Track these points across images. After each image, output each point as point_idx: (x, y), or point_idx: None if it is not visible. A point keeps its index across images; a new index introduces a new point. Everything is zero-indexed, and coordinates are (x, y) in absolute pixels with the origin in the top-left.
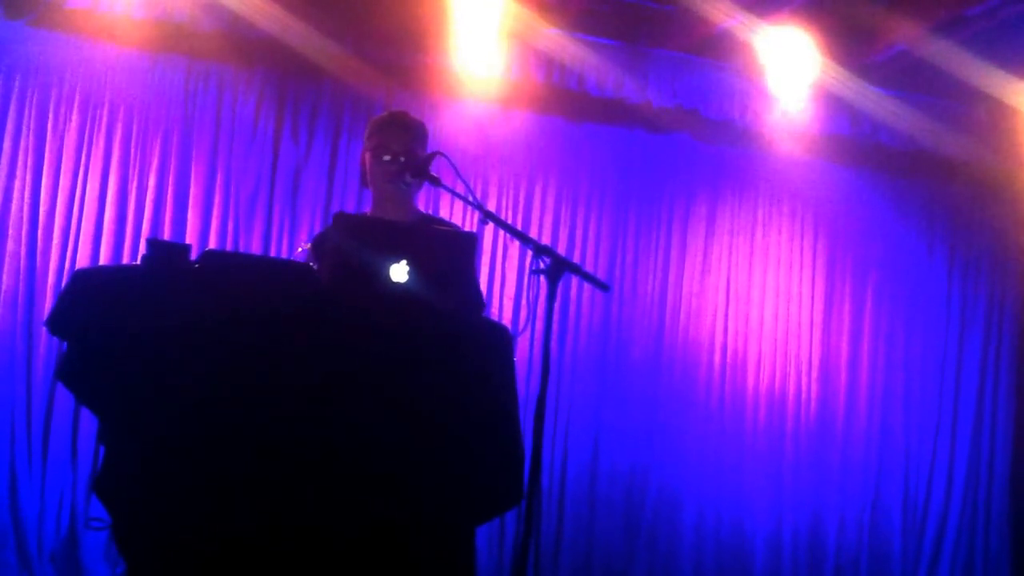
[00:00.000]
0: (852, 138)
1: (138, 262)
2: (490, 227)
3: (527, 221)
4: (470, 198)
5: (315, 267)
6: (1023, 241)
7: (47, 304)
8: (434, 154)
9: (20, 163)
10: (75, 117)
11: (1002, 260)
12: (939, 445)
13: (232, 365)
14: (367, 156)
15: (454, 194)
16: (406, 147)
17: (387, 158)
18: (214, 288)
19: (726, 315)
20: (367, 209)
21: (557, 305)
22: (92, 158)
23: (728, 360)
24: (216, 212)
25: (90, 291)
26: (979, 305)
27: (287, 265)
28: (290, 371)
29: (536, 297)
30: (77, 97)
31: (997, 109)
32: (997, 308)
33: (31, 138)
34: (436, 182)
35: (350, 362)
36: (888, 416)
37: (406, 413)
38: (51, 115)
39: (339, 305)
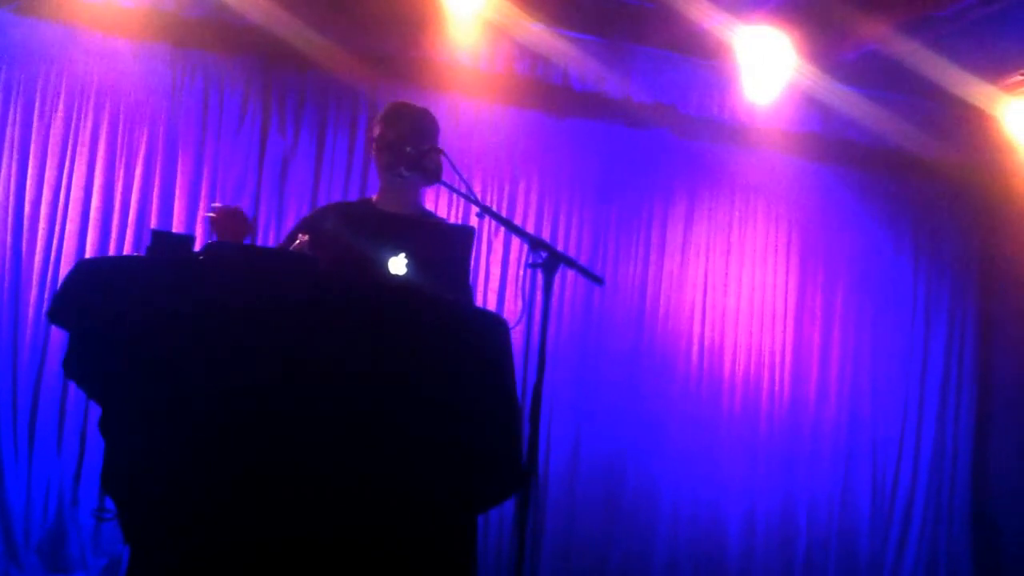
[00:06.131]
0: (824, 135)
1: (135, 252)
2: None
3: (510, 214)
4: (467, 193)
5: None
6: (985, 236)
7: (32, 294)
8: (430, 148)
9: (5, 152)
10: (61, 106)
11: (965, 254)
12: (906, 431)
13: (236, 356)
14: (371, 147)
15: (451, 189)
16: (405, 138)
17: (384, 149)
18: (218, 279)
19: (703, 306)
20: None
21: (541, 297)
22: (78, 147)
23: (705, 350)
24: (203, 203)
25: (94, 281)
26: (943, 297)
27: (291, 256)
28: (294, 361)
29: (532, 290)
30: (63, 85)
31: (963, 108)
32: (960, 300)
33: (16, 127)
34: (433, 176)
35: (353, 351)
36: (857, 403)
37: (410, 401)
38: (37, 103)
39: (342, 295)
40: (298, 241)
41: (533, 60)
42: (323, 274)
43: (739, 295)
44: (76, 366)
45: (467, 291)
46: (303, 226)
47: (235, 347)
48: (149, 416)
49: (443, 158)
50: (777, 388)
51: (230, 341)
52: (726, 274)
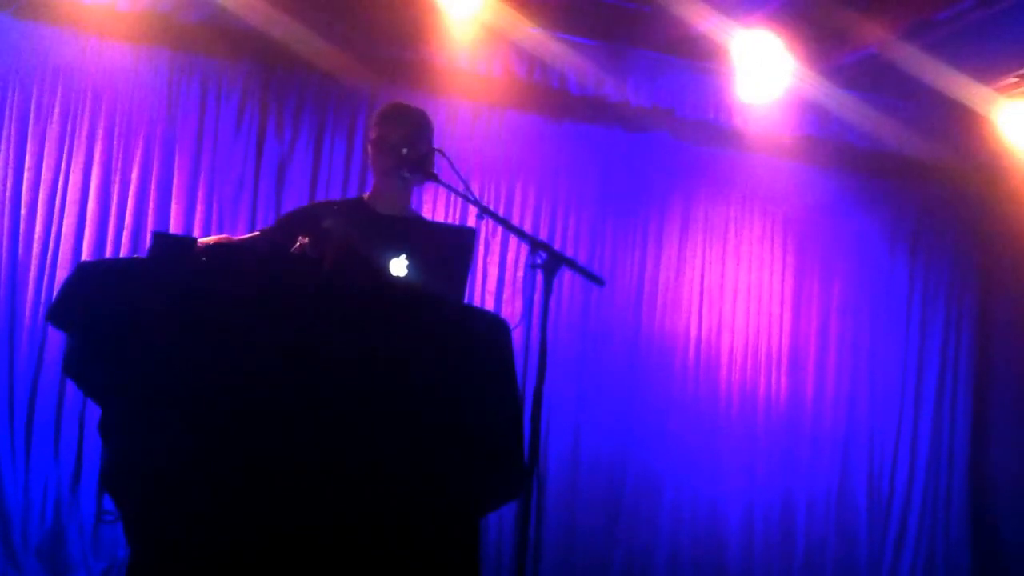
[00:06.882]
0: (821, 139)
1: (133, 255)
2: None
3: (507, 217)
4: (467, 194)
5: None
6: (982, 237)
7: (29, 296)
8: (433, 150)
9: (2, 154)
10: (57, 109)
11: (962, 257)
12: (902, 433)
13: (238, 357)
14: (369, 148)
15: (452, 190)
16: (405, 140)
17: (386, 151)
18: (220, 281)
19: (700, 309)
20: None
21: (539, 298)
22: (75, 150)
23: (702, 351)
24: (199, 206)
25: (95, 283)
26: (939, 299)
27: (293, 258)
28: (297, 362)
29: (533, 291)
30: (60, 89)
31: (959, 111)
32: (956, 302)
33: (13, 129)
34: (434, 178)
35: (356, 353)
36: (853, 404)
37: (413, 401)
38: (33, 106)
39: (345, 295)
40: (299, 243)
41: (531, 64)
42: (327, 275)
43: (735, 298)
44: (76, 366)
45: (461, 294)
46: (295, 221)
47: (237, 348)
48: (150, 416)
49: (442, 159)
50: (774, 389)
51: (232, 342)
52: (722, 276)
